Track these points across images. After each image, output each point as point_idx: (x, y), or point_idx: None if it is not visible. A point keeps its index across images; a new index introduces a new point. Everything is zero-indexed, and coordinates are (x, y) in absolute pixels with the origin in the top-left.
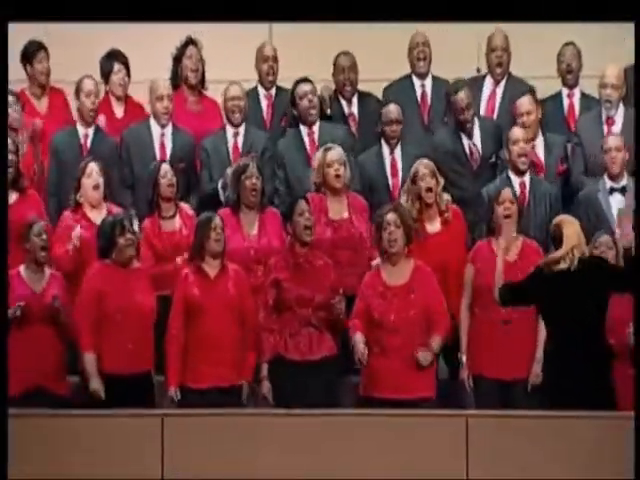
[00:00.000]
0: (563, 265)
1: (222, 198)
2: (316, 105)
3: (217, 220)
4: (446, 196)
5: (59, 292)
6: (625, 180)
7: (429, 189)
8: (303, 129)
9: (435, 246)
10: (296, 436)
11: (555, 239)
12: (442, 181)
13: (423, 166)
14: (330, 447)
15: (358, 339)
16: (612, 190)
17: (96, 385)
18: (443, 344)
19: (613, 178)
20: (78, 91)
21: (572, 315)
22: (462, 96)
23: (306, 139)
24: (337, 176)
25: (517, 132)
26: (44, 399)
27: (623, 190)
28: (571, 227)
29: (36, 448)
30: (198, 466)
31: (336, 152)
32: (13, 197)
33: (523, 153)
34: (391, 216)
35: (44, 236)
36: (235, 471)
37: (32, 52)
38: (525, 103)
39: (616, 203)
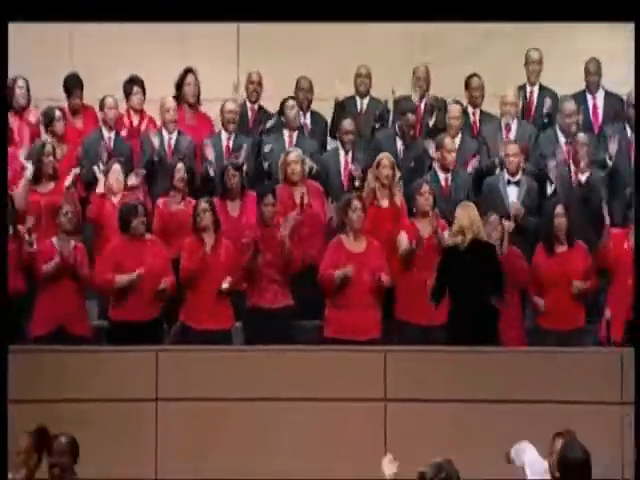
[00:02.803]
0: (453, 241)
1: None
2: (297, 117)
3: (201, 205)
4: (399, 187)
5: (80, 258)
6: (519, 176)
7: (387, 176)
8: (287, 133)
9: (383, 217)
10: (257, 364)
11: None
12: (399, 173)
13: (386, 158)
14: (286, 374)
15: (340, 273)
16: (509, 182)
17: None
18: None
19: (510, 174)
20: (102, 106)
21: (466, 282)
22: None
23: (287, 141)
24: (293, 172)
25: (448, 142)
26: (66, 338)
27: (517, 183)
28: (463, 211)
29: (53, 376)
30: (185, 389)
31: (294, 154)
32: (51, 186)
33: (454, 159)
34: (357, 203)
35: (70, 215)
36: (212, 392)
37: (70, 88)
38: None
39: (512, 192)
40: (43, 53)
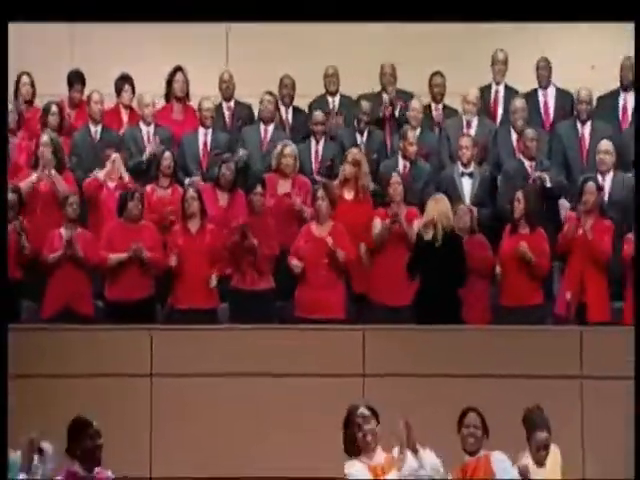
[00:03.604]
0: (426, 232)
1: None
2: (273, 112)
3: (190, 193)
4: (369, 183)
5: (84, 244)
6: (472, 167)
7: (350, 172)
8: (262, 126)
9: (348, 208)
10: (244, 342)
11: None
12: (366, 168)
13: (351, 154)
14: (265, 348)
15: (294, 262)
16: (463, 174)
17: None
18: (344, 261)
19: (464, 166)
20: (89, 100)
21: (434, 269)
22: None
23: (262, 133)
24: (287, 165)
25: (411, 135)
26: (72, 317)
27: (470, 175)
28: (434, 204)
29: (53, 353)
30: (178, 365)
31: (289, 149)
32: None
33: (414, 151)
34: (320, 192)
35: (75, 206)
36: (201, 367)
37: (72, 82)
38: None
39: (466, 183)
40: (45, 50)
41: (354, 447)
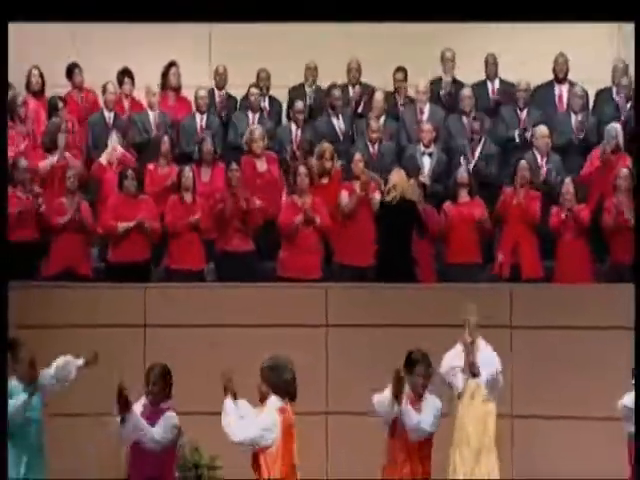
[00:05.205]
0: (388, 197)
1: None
2: (258, 101)
3: (186, 170)
4: (337, 164)
5: (84, 212)
6: (432, 148)
7: (327, 165)
8: (250, 114)
9: (324, 188)
10: (230, 299)
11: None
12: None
13: (328, 151)
14: (244, 303)
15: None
16: (424, 153)
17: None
18: (320, 227)
19: (425, 146)
20: (105, 90)
21: (392, 228)
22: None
23: (250, 120)
24: (258, 147)
25: (373, 123)
26: (73, 277)
27: (430, 154)
28: (395, 174)
29: (58, 307)
30: (172, 315)
31: (258, 132)
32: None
33: (378, 137)
34: (302, 169)
35: (72, 179)
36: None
37: (72, 71)
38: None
39: (426, 161)
40: (50, 46)
41: None
